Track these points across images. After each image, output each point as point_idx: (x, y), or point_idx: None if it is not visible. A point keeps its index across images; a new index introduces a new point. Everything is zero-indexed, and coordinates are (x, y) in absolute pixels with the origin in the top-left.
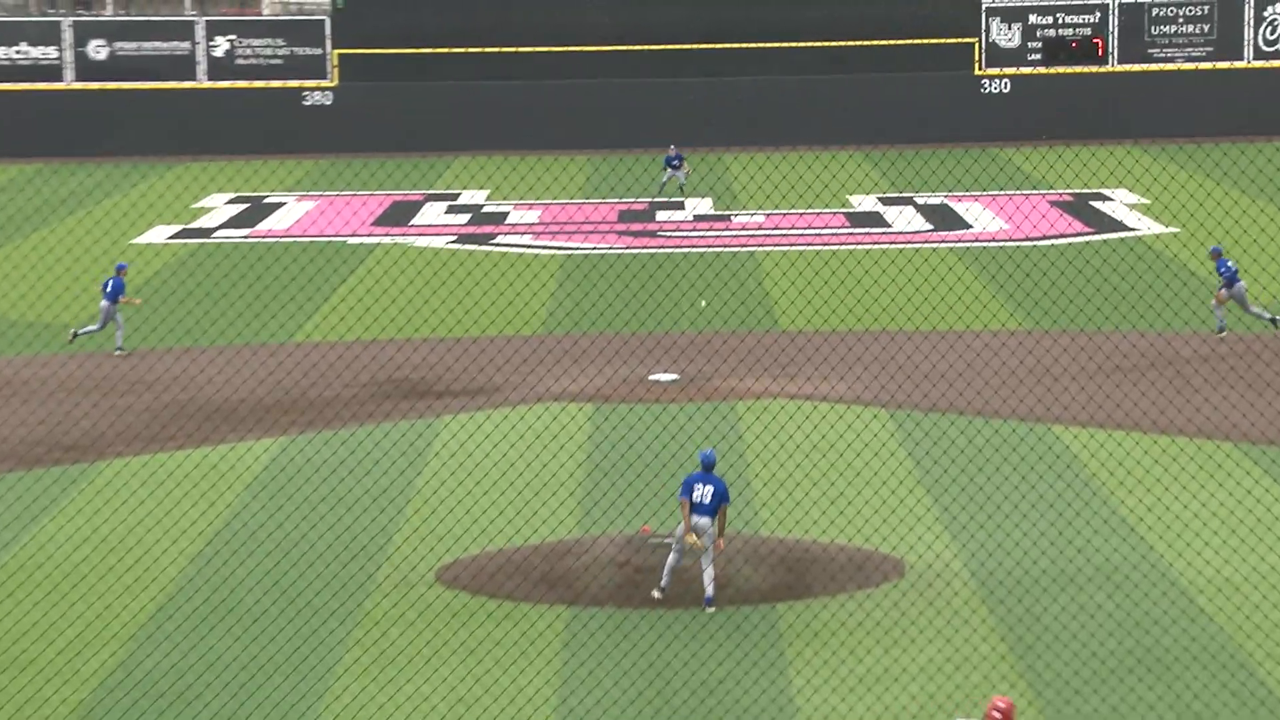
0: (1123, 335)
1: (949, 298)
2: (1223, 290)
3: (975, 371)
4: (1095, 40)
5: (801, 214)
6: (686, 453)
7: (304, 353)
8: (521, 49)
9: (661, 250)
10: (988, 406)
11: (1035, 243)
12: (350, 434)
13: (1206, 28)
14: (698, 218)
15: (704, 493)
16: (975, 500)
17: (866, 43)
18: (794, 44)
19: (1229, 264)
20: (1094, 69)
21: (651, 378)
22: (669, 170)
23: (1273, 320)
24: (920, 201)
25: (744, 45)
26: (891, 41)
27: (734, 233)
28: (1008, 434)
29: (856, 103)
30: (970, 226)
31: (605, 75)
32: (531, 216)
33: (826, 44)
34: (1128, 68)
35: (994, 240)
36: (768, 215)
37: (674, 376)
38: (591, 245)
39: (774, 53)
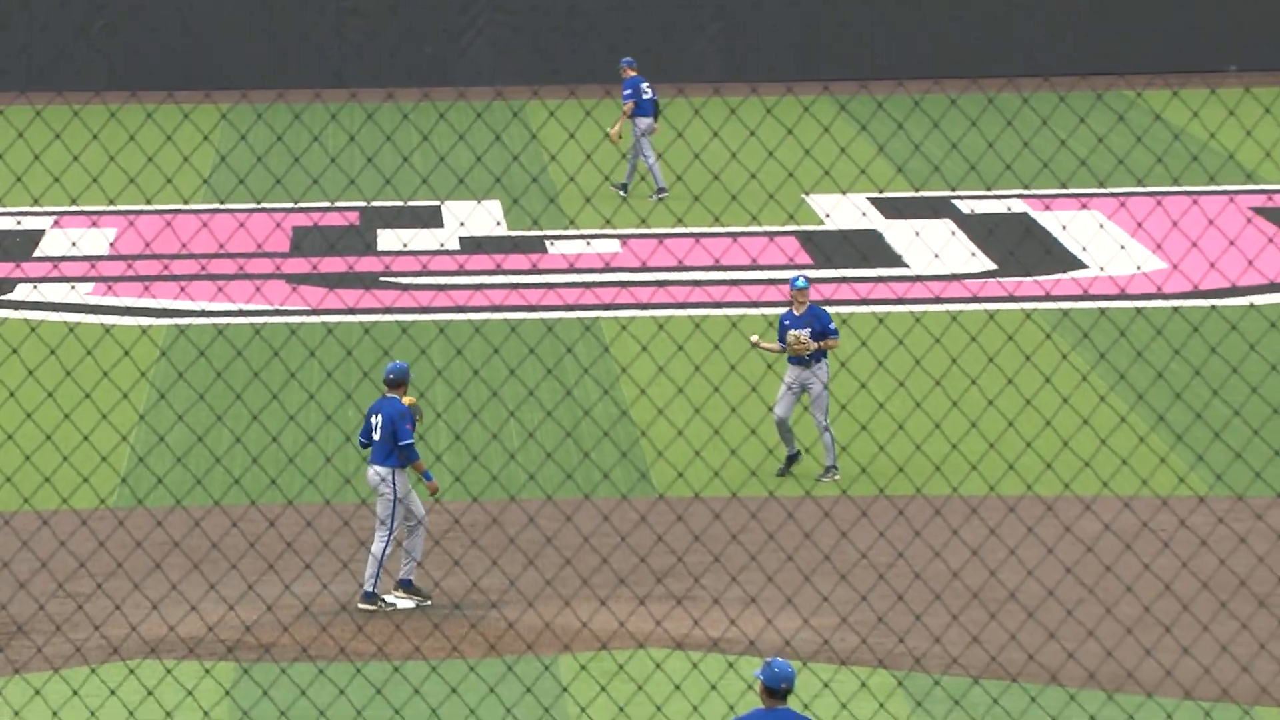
0: None
1: (1034, 424)
2: None
3: (1095, 583)
4: None
5: (698, 234)
6: None
7: None
8: None
9: (387, 318)
10: (1112, 673)
11: (1225, 301)
12: None
13: None
14: (472, 243)
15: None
16: None
17: None
18: None
19: None
20: None
21: (362, 604)
22: (640, 120)
23: None
24: (967, 208)
25: None
26: None
27: (548, 276)
28: None
29: None
30: (1082, 265)
31: None
32: (100, 241)
33: None
34: None
35: (1135, 296)
36: (622, 239)
37: (412, 602)
38: (230, 306)
39: None
